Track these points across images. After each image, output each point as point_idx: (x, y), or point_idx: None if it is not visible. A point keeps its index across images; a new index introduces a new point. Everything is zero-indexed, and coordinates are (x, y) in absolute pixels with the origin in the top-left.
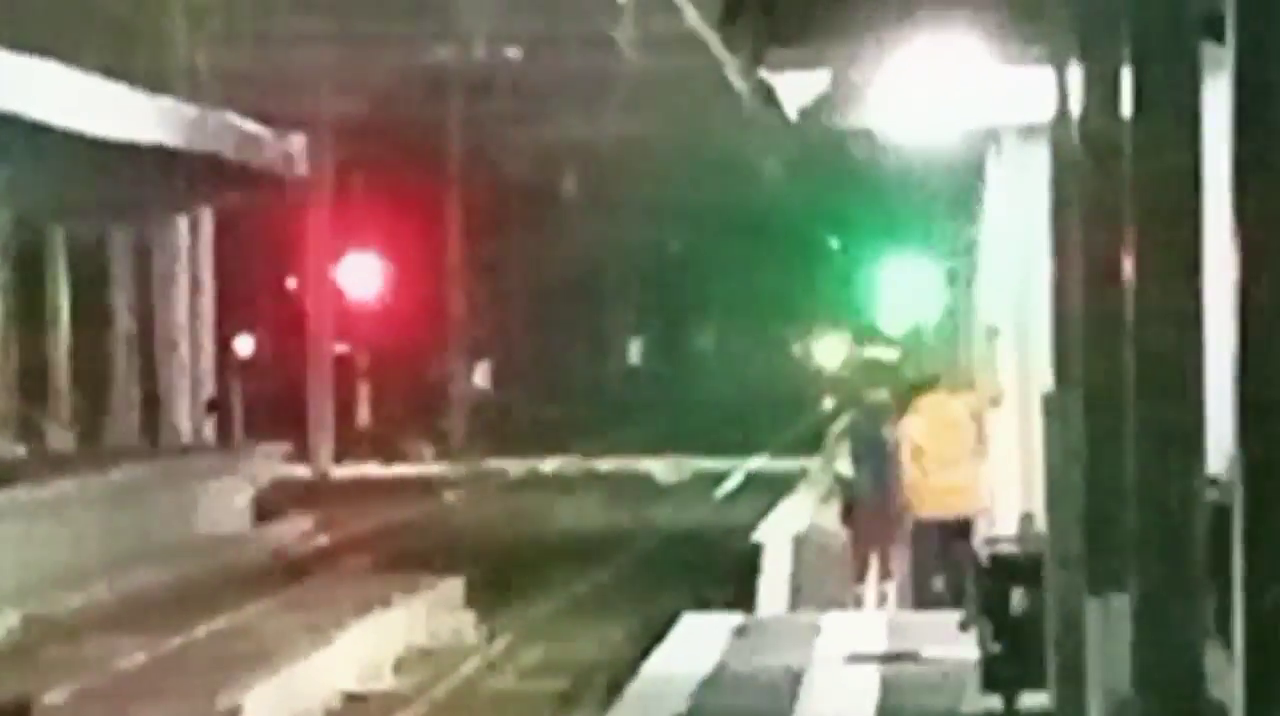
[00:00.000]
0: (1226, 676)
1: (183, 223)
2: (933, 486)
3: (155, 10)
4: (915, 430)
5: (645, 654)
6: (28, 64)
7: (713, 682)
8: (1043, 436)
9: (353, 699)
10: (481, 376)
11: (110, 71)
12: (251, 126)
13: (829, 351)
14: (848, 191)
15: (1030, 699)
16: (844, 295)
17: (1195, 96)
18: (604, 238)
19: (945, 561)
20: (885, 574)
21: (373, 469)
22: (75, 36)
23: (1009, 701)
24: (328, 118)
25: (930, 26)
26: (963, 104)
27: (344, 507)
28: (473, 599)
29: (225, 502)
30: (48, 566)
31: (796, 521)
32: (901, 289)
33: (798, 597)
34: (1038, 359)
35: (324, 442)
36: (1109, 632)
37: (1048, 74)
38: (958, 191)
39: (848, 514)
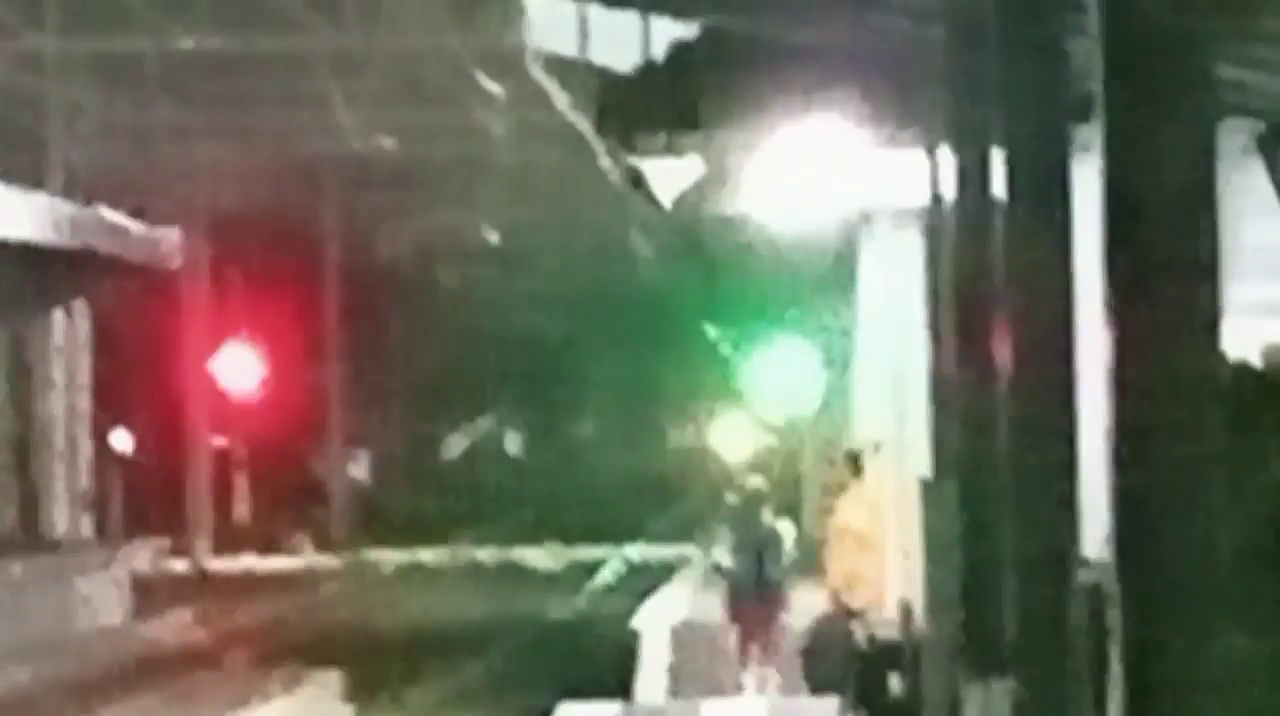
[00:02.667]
0: None
1: (59, 318)
2: (858, 572)
3: (29, 107)
4: (854, 515)
5: None
6: None
7: None
8: (920, 523)
9: None
10: (360, 467)
11: None
12: (125, 221)
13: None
14: (723, 276)
15: None
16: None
17: (1065, 178)
18: (482, 327)
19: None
20: (766, 661)
21: (251, 562)
22: None
23: None
24: (204, 211)
25: (802, 113)
26: (835, 188)
27: (222, 601)
28: (351, 693)
29: (103, 598)
30: None
31: (675, 609)
32: (778, 374)
33: (677, 685)
34: (915, 445)
35: (202, 536)
36: None
37: (920, 158)
38: (833, 275)
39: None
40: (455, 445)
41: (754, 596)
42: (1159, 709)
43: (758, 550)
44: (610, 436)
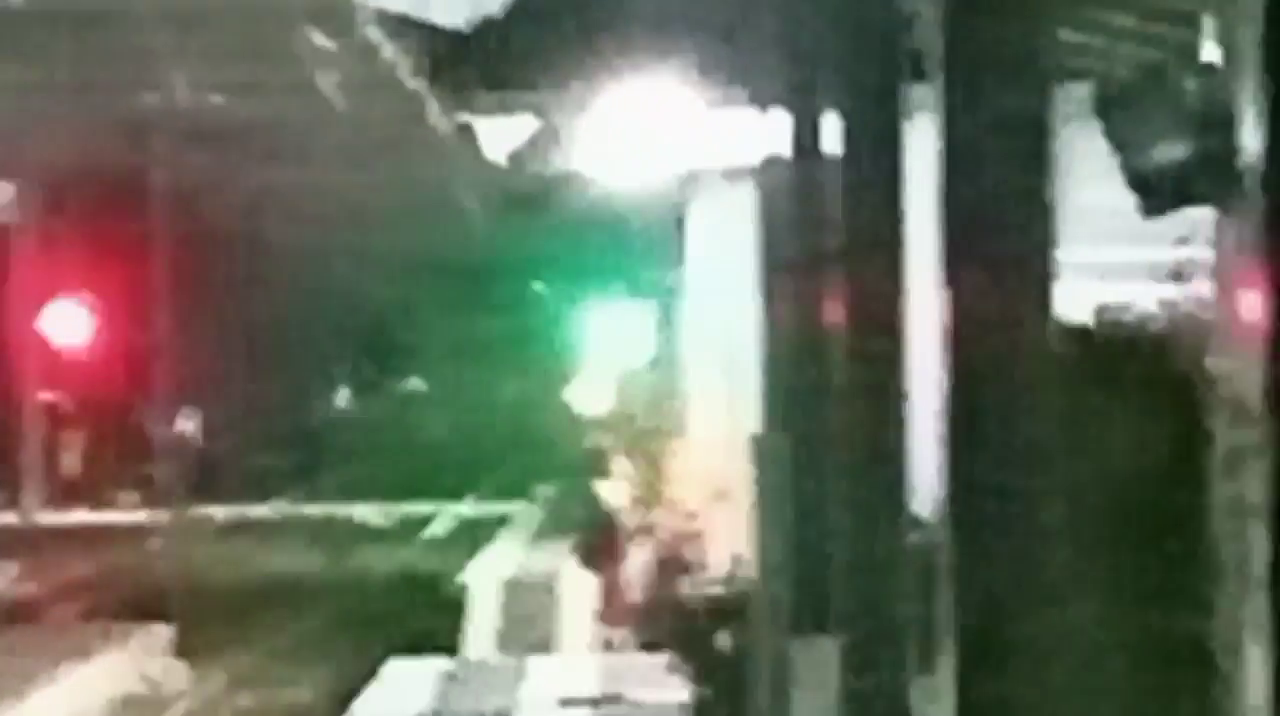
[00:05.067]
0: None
1: None
2: (689, 527)
3: None
4: (685, 471)
5: (351, 698)
6: None
7: None
8: (750, 479)
9: None
10: (191, 423)
11: None
12: None
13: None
14: (554, 235)
15: None
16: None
17: (898, 139)
18: (314, 285)
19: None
20: (612, 615)
21: (80, 516)
22: None
23: None
24: (33, 167)
25: (635, 71)
26: (667, 147)
27: (50, 554)
28: (181, 646)
29: None
30: None
31: (504, 564)
32: (609, 332)
33: (505, 640)
34: (746, 401)
35: (31, 490)
36: (815, 674)
37: (752, 117)
38: (665, 234)
39: (586, 557)
40: (286, 402)
41: (600, 550)
42: (989, 668)
43: (601, 505)
44: (441, 393)
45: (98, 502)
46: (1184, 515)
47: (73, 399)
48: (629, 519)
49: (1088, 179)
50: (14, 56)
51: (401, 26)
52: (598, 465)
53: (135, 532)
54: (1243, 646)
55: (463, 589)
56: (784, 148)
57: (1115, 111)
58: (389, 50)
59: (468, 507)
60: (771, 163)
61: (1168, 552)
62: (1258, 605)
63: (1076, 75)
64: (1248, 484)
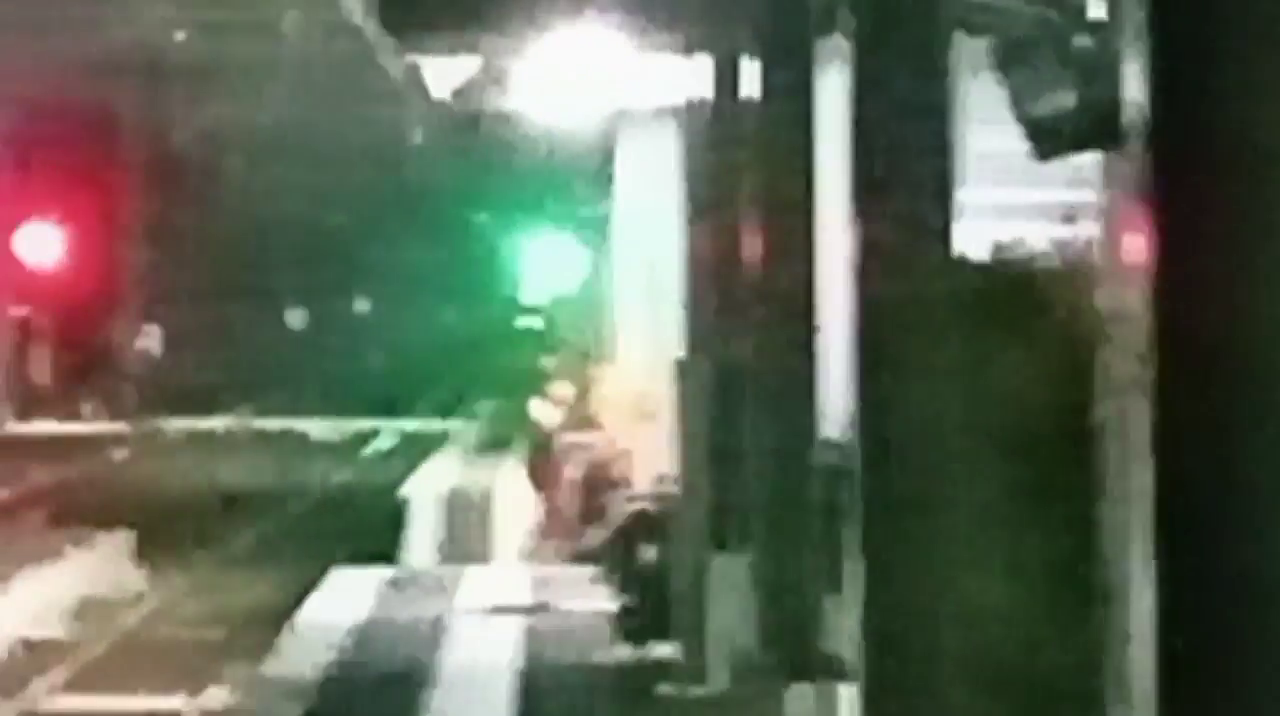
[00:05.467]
0: (840, 629)
1: None
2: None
3: None
4: (613, 392)
5: (298, 602)
6: None
7: (361, 631)
8: (675, 401)
9: (29, 644)
10: (153, 341)
11: None
12: None
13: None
14: (493, 170)
15: (659, 649)
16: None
17: (809, 84)
18: (268, 213)
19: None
20: (550, 529)
21: (49, 427)
22: None
23: (639, 650)
24: (6, 97)
25: (571, 16)
26: (598, 88)
27: (20, 462)
28: (141, 552)
29: None
30: None
31: (443, 478)
32: (542, 260)
33: (443, 550)
34: (669, 327)
35: (1, 401)
36: (730, 587)
37: (677, 62)
38: (596, 169)
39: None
40: (241, 321)
41: (539, 468)
42: (893, 581)
43: (539, 425)
44: (385, 316)
45: (63, 413)
46: (1072, 438)
47: (43, 315)
48: (563, 438)
49: (985, 126)
50: None
51: None
52: (534, 386)
53: (99, 443)
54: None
55: (404, 501)
56: (706, 91)
57: (1011, 64)
58: None
59: (409, 424)
60: (694, 105)
61: (1058, 473)
62: (1141, 521)
63: (975, 30)
64: (1131, 408)
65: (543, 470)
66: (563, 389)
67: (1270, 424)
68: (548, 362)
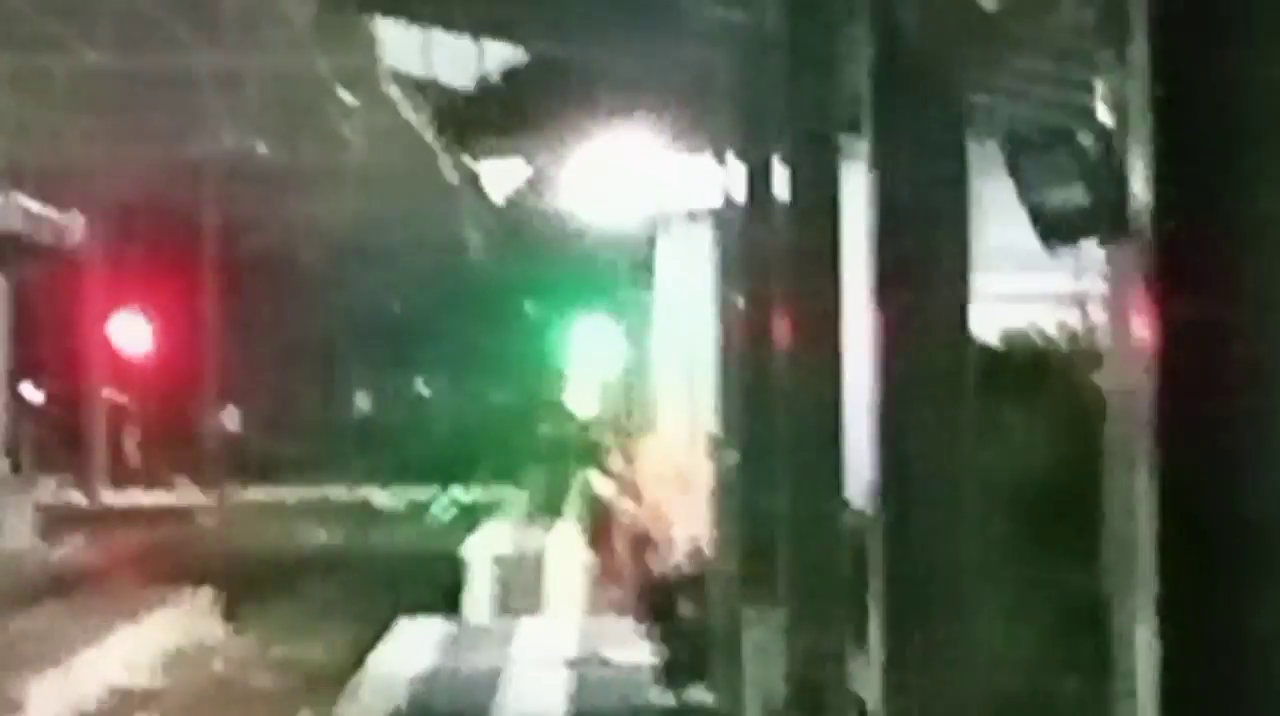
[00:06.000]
0: (865, 676)
1: None
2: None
3: None
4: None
5: (365, 652)
6: None
7: (425, 679)
8: (709, 472)
9: (122, 692)
10: (232, 420)
11: None
12: (36, 206)
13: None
14: (542, 262)
15: (697, 695)
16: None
17: (836, 183)
18: (338, 303)
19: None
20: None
21: (140, 497)
22: None
23: (679, 697)
24: (103, 200)
25: (612, 124)
26: (639, 189)
27: (114, 529)
28: (222, 609)
29: (13, 524)
30: None
31: (497, 540)
32: (588, 344)
33: (498, 605)
34: (705, 407)
35: (98, 474)
36: (763, 640)
37: (712, 164)
38: (638, 262)
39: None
40: (312, 402)
41: (596, 531)
42: (911, 633)
43: (595, 493)
44: (443, 396)
45: (153, 486)
46: (1079, 502)
47: (134, 397)
48: (615, 505)
49: (999, 219)
50: (87, 106)
51: (416, 86)
52: (584, 457)
53: (184, 512)
54: (1132, 619)
55: (462, 561)
56: (738, 190)
57: (1023, 162)
58: (405, 106)
59: (465, 493)
60: (728, 203)
61: (1065, 534)
62: (1143, 579)
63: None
64: (1135, 476)
65: (600, 534)
66: (616, 462)
67: (1268, 482)
68: (600, 438)
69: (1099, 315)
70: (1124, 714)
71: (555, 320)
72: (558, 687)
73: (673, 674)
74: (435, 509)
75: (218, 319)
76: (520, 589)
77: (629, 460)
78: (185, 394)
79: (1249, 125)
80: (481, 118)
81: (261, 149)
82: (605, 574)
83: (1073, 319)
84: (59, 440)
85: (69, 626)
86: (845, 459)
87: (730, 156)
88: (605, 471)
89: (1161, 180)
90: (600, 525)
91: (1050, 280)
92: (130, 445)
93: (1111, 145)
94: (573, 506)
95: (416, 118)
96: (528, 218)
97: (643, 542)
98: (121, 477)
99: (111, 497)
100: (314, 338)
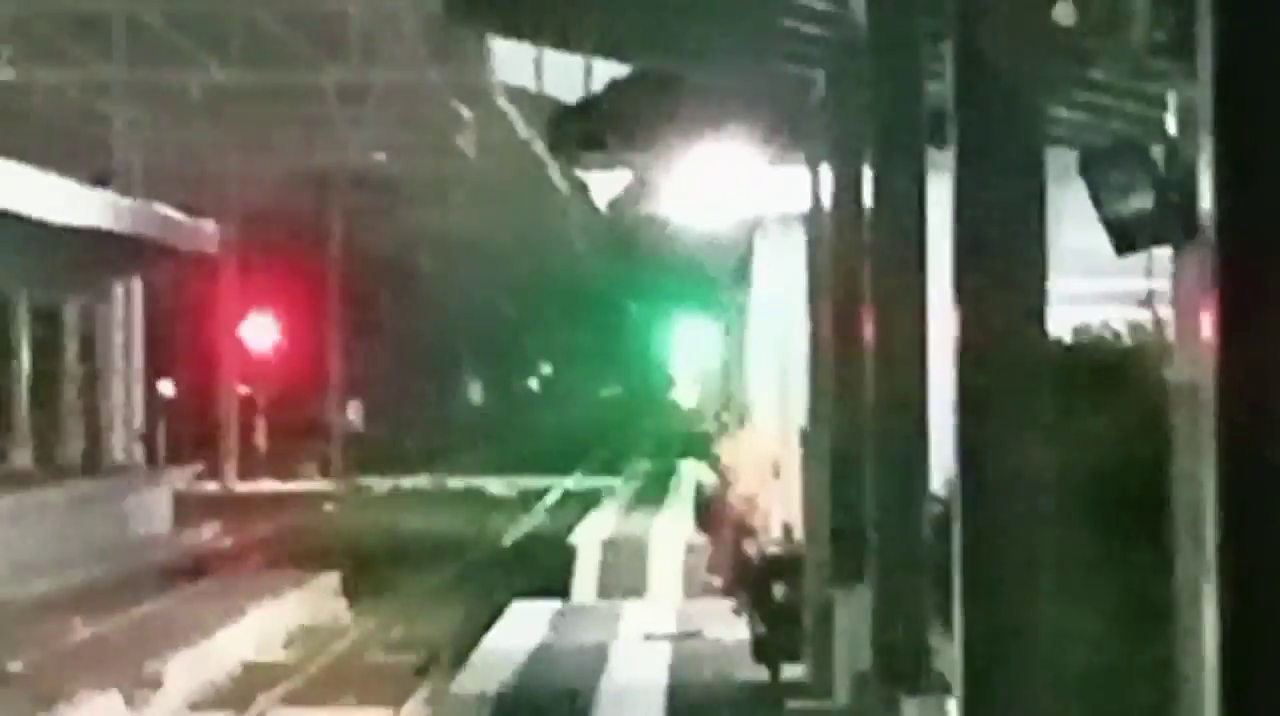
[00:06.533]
0: (947, 652)
1: (119, 290)
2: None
3: (99, 123)
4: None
5: (482, 632)
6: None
7: (537, 656)
8: (801, 462)
9: (253, 667)
10: (354, 413)
11: (62, 170)
12: (174, 213)
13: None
14: (645, 266)
15: (791, 670)
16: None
17: (921, 192)
18: (453, 303)
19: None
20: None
21: (268, 485)
22: (33, 141)
23: (774, 672)
24: (235, 208)
25: (712, 136)
26: (736, 197)
27: (245, 515)
28: (346, 590)
29: (151, 510)
30: (9, 562)
31: (603, 527)
32: (688, 343)
33: (604, 588)
34: (796, 401)
35: (230, 464)
36: (852, 620)
37: (804, 173)
38: (733, 265)
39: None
40: (430, 396)
41: (707, 516)
42: (991, 613)
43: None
44: (552, 390)
45: (281, 475)
46: (1148, 491)
47: (263, 392)
48: (715, 493)
49: (1073, 225)
50: (218, 120)
51: (527, 99)
52: (686, 449)
53: (311, 499)
54: (1199, 595)
55: (572, 546)
56: (829, 198)
57: (1095, 171)
58: (517, 118)
59: (574, 482)
60: (820, 209)
61: (1136, 523)
62: (1210, 563)
63: (1063, 143)
64: (1201, 467)
65: (708, 520)
66: (716, 453)
67: None
68: (701, 430)
69: (1167, 315)
70: (1191, 694)
71: (658, 319)
72: (660, 664)
73: (768, 651)
74: (547, 497)
75: (341, 319)
76: (626, 572)
77: (728, 452)
78: (310, 389)
79: None
80: (589, 129)
81: (382, 159)
82: (708, 558)
83: (1142, 318)
84: (193, 433)
85: (204, 606)
86: (928, 450)
87: (822, 166)
88: (706, 462)
89: (1226, 188)
90: (704, 513)
91: (1120, 283)
92: (259, 437)
93: (1180, 156)
94: (675, 495)
95: (527, 129)
96: (632, 223)
97: (741, 529)
98: (251, 468)
99: (242, 486)
100: (431, 336)
